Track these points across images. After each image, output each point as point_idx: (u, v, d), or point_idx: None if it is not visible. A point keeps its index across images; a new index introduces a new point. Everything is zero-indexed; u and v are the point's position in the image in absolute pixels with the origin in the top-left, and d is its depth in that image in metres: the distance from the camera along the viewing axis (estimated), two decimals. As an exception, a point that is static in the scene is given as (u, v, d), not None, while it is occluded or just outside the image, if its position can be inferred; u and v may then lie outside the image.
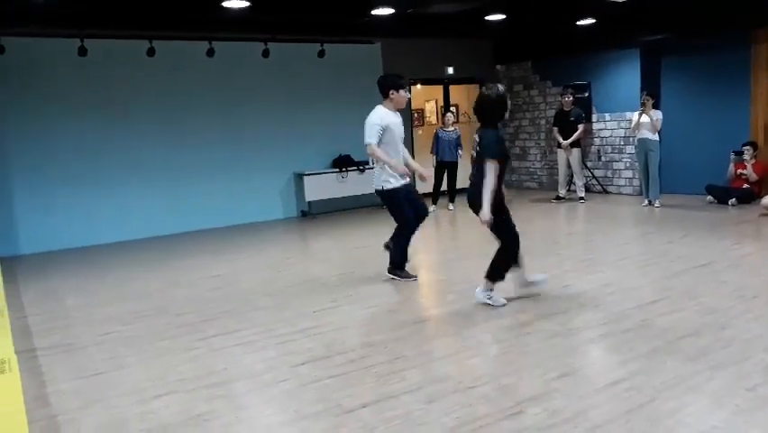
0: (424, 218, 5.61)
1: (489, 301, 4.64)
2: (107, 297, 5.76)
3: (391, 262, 5.64)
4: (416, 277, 5.62)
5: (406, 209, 5.45)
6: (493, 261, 4.64)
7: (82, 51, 7.96)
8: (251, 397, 3.41)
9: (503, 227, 4.54)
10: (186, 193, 9.15)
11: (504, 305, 4.60)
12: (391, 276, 5.63)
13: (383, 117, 5.33)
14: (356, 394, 3.33)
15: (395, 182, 5.38)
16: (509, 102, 4.50)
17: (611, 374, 3.40)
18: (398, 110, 5.50)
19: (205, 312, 5.04)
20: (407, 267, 5.67)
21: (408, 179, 5.51)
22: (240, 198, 9.60)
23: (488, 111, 4.44)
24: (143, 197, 8.84)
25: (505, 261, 4.61)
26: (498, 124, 4.51)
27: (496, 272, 4.63)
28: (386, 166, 5.34)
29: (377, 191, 5.53)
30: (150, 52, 8.44)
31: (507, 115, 4.54)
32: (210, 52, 8.83)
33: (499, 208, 4.46)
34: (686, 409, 2.95)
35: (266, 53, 9.24)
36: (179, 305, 5.31)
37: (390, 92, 5.36)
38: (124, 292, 5.89)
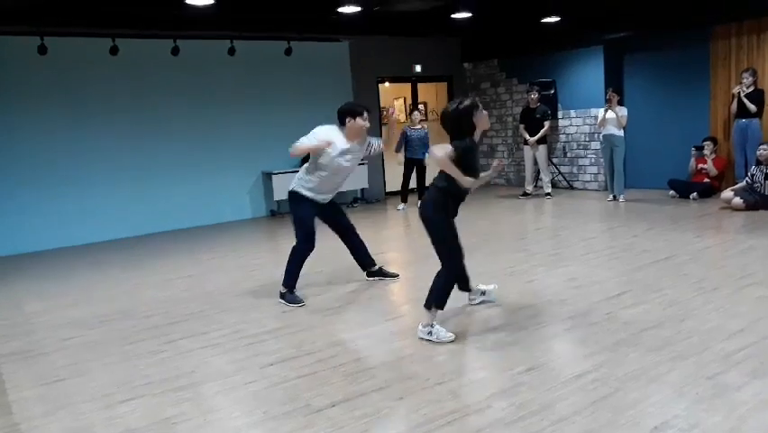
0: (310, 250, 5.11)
1: (430, 338, 3.97)
2: (71, 300, 5.65)
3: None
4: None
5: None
6: (433, 286, 4.07)
7: (42, 50, 7.77)
8: (219, 399, 3.38)
9: (447, 247, 4.03)
10: (153, 194, 9.01)
11: (452, 340, 3.95)
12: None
13: (330, 136, 4.92)
14: (325, 393, 3.32)
15: (307, 192, 5.03)
16: (480, 114, 3.91)
17: (577, 367, 3.46)
18: (357, 141, 5.04)
19: (173, 314, 4.98)
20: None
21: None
22: (208, 198, 9.49)
23: (453, 125, 3.93)
24: (111, 198, 8.68)
25: (445, 286, 4.06)
26: (467, 138, 3.92)
27: (437, 299, 4.04)
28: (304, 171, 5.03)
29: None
30: (113, 51, 8.28)
31: (480, 127, 3.94)
32: (175, 51, 8.70)
33: (449, 223, 4.05)
34: (649, 399, 3.02)
35: (232, 51, 9.15)
36: (146, 307, 5.23)
37: (347, 119, 4.96)
38: (89, 295, 5.78)
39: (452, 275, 4.11)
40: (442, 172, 3.98)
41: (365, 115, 5.03)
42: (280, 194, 9.77)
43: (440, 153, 3.85)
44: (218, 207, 9.60)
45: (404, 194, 9.92)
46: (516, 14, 9.31)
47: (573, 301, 4.65)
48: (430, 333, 3.99)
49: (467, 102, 3.94)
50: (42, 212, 8.21)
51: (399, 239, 8.04)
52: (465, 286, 4.53)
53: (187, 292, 5.67)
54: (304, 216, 5.07)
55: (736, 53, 8.88)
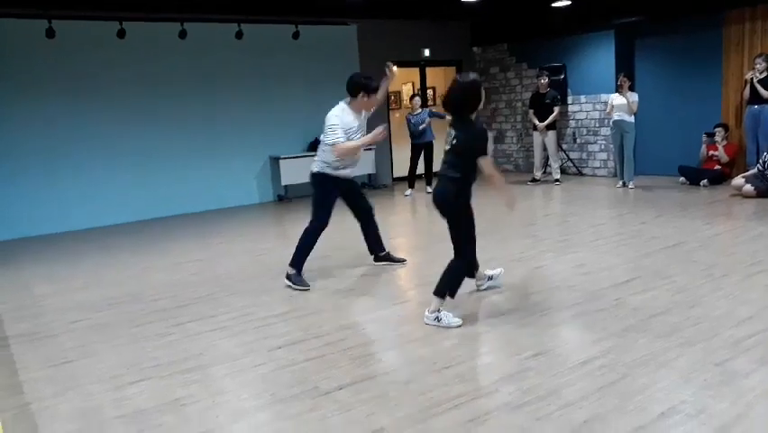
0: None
1: (438, 324, 3.96)
2: (80, 284, 5.68)
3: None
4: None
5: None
6: (445, 274, 4.07)
7: (50, 33, 7.77)
8: (227, 381, 3.40)
9: (463, 233, 4.06)
10: (160, 178, 9.03)
11: (459, 325, 3.95)
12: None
13: (342, 118, 4.93)
14: (333, 376, 3.33)
15: (333, 172, 5.07)
16: (482, 91, 3.94)
17: (584, 353, 3.45)
18: (363, 112, 5.13)
19: (181, 298, 5.00)
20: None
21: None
22: (215, 183, 9.50)
23: (463, 97, 3.92)
24: (117, 182, 8.71)
25: (459, 275, 4.10)
26: (472, 116, 3.97)
27: (448, 287, 4.06)
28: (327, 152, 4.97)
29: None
30: (121, 34, 8.26)
31: (480, 105, 3.95)
32: (182, 34, 8.67)
33: (466, 209, 4.09)
34: (657, 384, 3.01)
35: (239, 35, 9.11)
36: (154, 291, 5.26)
37: (361, 94, 5.00)
38: (98, 279, 5.82)
39: (465, 263, 4.12)
40: (454, 161, 3.98)
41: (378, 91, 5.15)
42: (288, 179, 9.78)
43: (489, 166, 3.92)
44: (225, 191, 9.61)
45: (411, 179, 9.89)
46: (527, -2, 9.21)
47: (581, 287, 4.63)
48: (437, 318, 3.99)
49: (477, 76, 4.01)
50: (47, 196, 8.24)
51: (406, 224, 8.02)
52: (471, 273, 4.52)
53: (196, 276, 5.69)
54: (327, 197, 5.13)
55: (749, 38, 8.74)
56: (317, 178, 5.13)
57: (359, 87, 5.01)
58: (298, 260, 5.11)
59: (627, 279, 4.75)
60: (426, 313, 4.05)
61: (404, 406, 2.98)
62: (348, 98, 5.08)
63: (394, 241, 6.64)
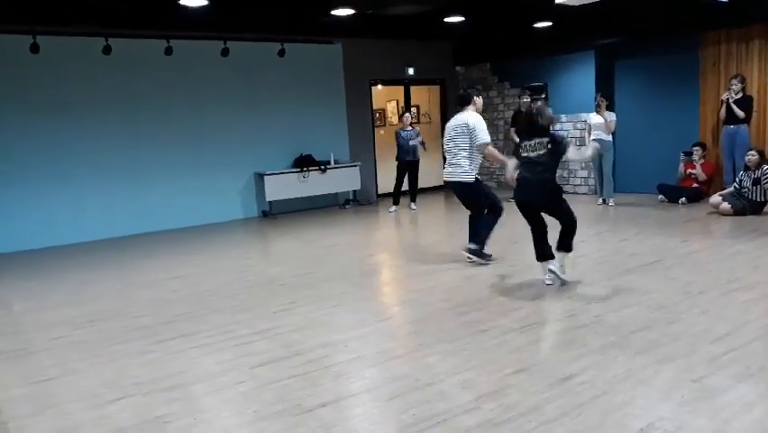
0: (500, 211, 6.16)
1: (563, 276, 5.12)
2: (60, 300, 5.62)
3: (472, 239, 6.05)
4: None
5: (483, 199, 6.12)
6: (564, 234, 5.15)
7: (34, 48, 7.75)
8: (209, 399, 3.38)
9: (567, 207, 5.16)
10: (145, 193, 8.99)
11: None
12: (470, 252, 6.04)
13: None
14: (315, 394, 3.33)
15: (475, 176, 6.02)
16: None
17: (565, 369, 3.49)
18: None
19: (163, 315, 4.97)
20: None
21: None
22: (200, 199, 9.47)
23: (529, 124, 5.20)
24: (102, 197, 8.66)
25: (574, 230, 5.16)
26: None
27: (570, 242, 5.20)
28: (471, 160, 5.92)
29: (458, 183, 6.00)
30: (106, 50, 8.26)
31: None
32: (168, 51, 8.69)
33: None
34: (635, 401, 3.05)
35: (225, 52, 9.15)
36: (136, 308, 5.22)
37: (474, 99, 6.07)
38: (79, 295, 5.76)
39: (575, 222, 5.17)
40: (552, 165, 5.08)
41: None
42: (272, 195, 9.78)
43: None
44: (210, 207, 9.58)
45: (396, 196, 9.94)
46: (509, 19, 9.35)
47: (562, 304, 4.68)
48: (564, 271, 5.14)
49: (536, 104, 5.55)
50: (30, 211, 8.17)
51: (390, 241, 8.05)
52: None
53: (178, 293, 5.66)
54: (486, 190, 6.19)
55: (725, 60, 8.96)
56: (474, 182, 6.00)
57: (469, 96, 6.12)
58: (484, 241, 6.01)
59: (607, 295, 4.81)
60: (556, 267, 5.09)
61: (386, 423, 2.99)
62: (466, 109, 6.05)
63: (376, 258, 6.66)
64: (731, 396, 3.04)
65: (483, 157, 6.06)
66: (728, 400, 3.01)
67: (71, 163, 8.41)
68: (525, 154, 5.10)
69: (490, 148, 5.99)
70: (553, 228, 5.17)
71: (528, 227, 5.24)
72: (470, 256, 5.99)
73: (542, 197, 5.08)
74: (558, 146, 5.06)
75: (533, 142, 5.07)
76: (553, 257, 5.16)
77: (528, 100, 10.03)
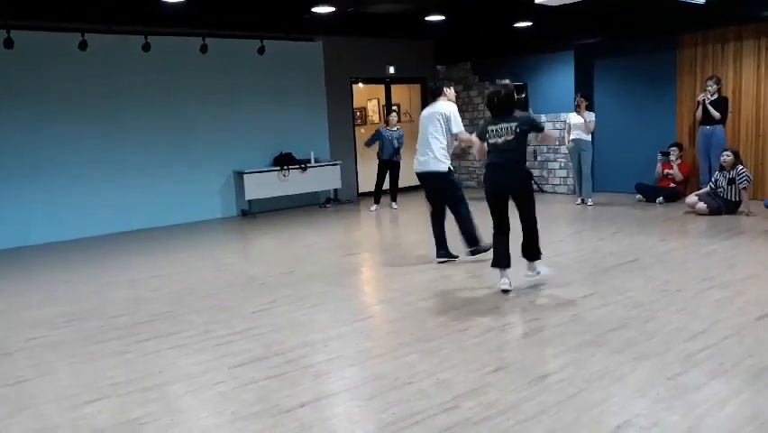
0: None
1: (539, 278, 5.18)
2: (35, 300, 5.54)
3: (468, 242, 6.01)
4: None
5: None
6: (533, 241, 5.15)
7: (8, 44, 7.61)
8: (187, 399, 3.36)
9: (533, 198, 5.16)
10: (122, 192, 8.87)
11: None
12: (472, 253, 6.01)
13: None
14: (294, 394, 3.32)
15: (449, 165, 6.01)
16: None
17: (543, 367, 3.52)
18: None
19: (141, 315, 4.92)
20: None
21: None
22: (178, 197, 9.38)
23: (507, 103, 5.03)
24: (79, 195, 8.53)
25: (536, 237, 5.16)
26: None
27: (538, 249, 5.19)
28: (445, 149, 5.94)
29: (433, 173, 5.93)
30: (82, 46, 8.14)
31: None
32: (146, 47, 8.60)
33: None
34: (612, 398, 3.09)
35: (204, 49, 9.07)
36: (113, 308, 5.16)
37: (445, 90, 6.14)
38: (55, 295, 5.68)
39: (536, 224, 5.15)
40: (521, 150, 5.02)
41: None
42: (252, 193, 9.72)
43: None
44: (188, 206, 9.49)
45: (377, 195, 9.94)
46: (489, 19, 9.40)
47: (540, 303, 4.72)
48: (538, 272, 5.20)
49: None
50: (5, 209, 8.03)
51: (371, 241, 8.05)
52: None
53: (156, 292, 5.60)
54: (461, 184, 6.24)
55: (701, 61, 9.11)
56: (448, 172, 5.95)
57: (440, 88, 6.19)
58: (477, 237, 5.98)
59: (585, 294, 4.86)
60: (530, 274, 5.19)
61: (366, 423, 2.99)
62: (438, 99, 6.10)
63: (357, 257, 6.65)
64: (705, 393, 3.10)
65: (458, 141, 6.07)
66: (702, 396, 3.06)
67: (46, 161, 8.27)
68: (492, 141, 4.96)
69: (464, 132, 6.00)
70: (515, 239, 5.16)
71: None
72: (472, 253, 6.03)
73: (513, 182, 5.01)
74: (533, 124, 5.09)
75: (499, 128, 4.93)
76: (509, 267, 5.06)
77: (508, 81, 10.04)
